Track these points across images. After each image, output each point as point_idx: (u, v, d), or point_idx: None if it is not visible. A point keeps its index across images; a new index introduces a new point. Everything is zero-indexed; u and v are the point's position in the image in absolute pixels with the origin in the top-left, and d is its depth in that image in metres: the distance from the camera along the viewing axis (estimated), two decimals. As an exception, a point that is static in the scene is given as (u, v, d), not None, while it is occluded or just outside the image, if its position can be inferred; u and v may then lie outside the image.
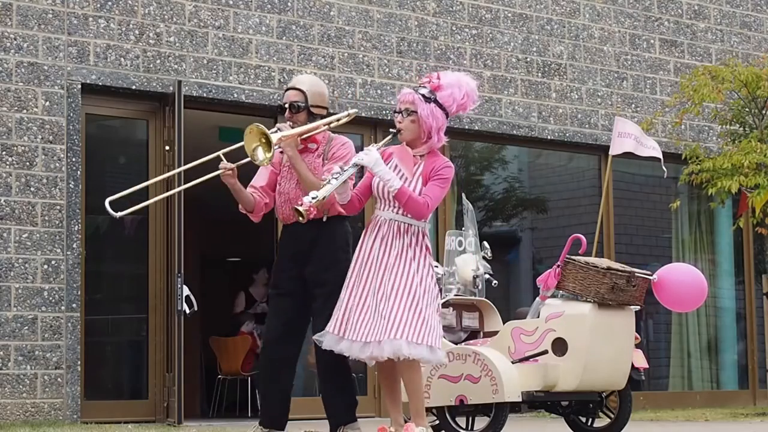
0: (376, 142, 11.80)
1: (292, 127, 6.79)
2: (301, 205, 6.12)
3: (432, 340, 6.18)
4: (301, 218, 6.22)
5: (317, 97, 6.90)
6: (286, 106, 6.90)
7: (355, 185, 6.51)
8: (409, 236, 6.29)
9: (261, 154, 6.41)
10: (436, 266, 8.58)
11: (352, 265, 6.42)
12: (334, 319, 6.36)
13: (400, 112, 6.34)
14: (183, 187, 7.42)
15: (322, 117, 6.89)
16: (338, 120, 6.94)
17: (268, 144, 6.40)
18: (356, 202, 6.41)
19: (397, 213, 6.31)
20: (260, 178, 6.98)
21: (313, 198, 6.08)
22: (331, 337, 6.35)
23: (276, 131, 6.70)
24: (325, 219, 6.78)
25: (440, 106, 6.30)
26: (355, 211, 6.56)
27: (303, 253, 6.81)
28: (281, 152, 6.75)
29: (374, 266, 6.29)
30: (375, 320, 6.20)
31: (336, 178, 6.14)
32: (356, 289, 6.32)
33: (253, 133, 6.44)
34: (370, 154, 6.20)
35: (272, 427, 6.82)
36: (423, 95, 6.30)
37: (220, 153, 6.75)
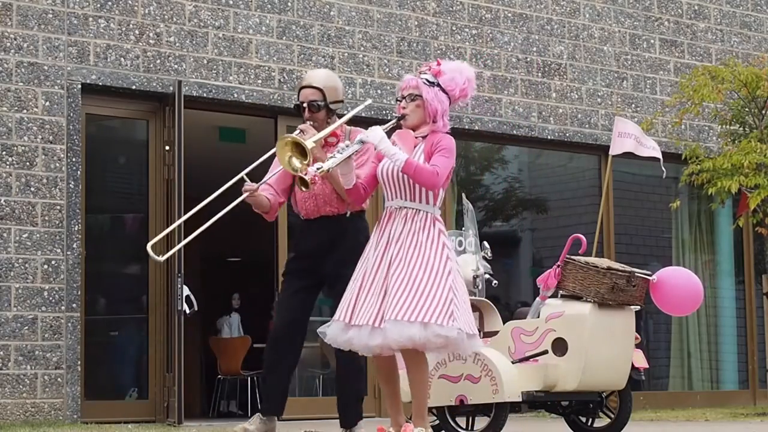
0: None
1: (313, 126, 6.77)
2: (306, 174, 6.06)
3: (442, 319, 5.89)
4: (304, 188, 6.10)
5: (333, 92, 6.91)
6: (305, 105, 6.87)
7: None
8: (420, 221, 6.19)
9: (297, 163, 6.18)
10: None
11: (363, 254, 6.24)
12: (341, 307, 6.15)
13: (404, 98, 6.28)
14: (213, 219, 7.00)
15: (338, 111, 6.92)
16: (357, 113, 6.93)
17: (302, 152, 6.16)
18: (361, 190, 6.29)
19: (405, 200, 6.20)
20: (276, 178, 6.92)
21: (317, 169, 6.05)
22: (337, 325, 6.13)
23: (299, 133, 6.67)
24: (348, 215, 6.85)
25: (443, 90, 6.24)
26: (360, 201, 6.45)
27: (324, 248, 6.84)
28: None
29: (384, 252, 6.12)
30: (382, 303, 6.01)
31: (341, 152, 6.10)
32: (367, 275, 6.13)
33: (287, 145, 6.22)
34: (375, 131, 6.12)
35: (271, 414, 6.92)
36: (426, 80, 6.24)
37: (242, 174, 6.79)
